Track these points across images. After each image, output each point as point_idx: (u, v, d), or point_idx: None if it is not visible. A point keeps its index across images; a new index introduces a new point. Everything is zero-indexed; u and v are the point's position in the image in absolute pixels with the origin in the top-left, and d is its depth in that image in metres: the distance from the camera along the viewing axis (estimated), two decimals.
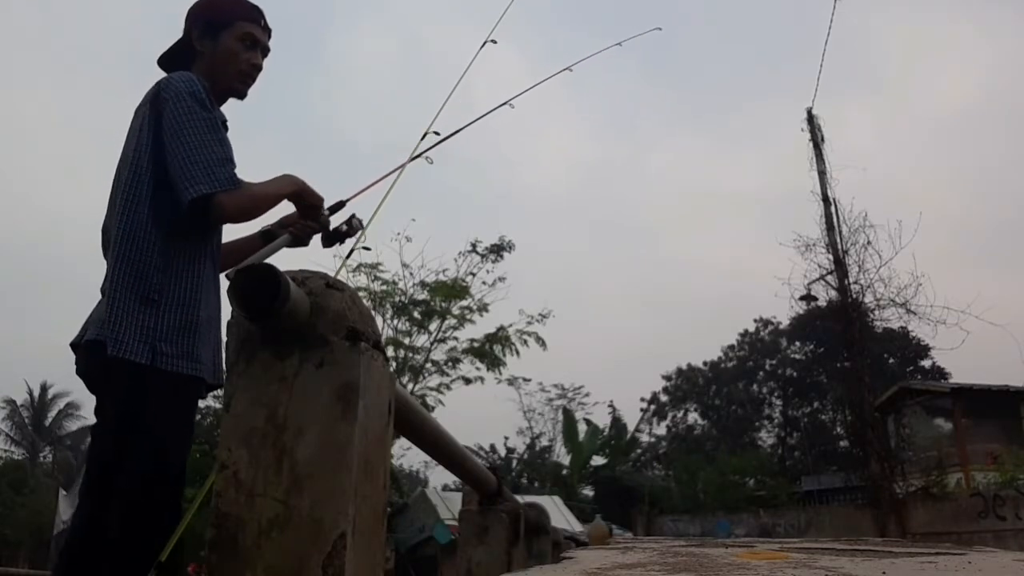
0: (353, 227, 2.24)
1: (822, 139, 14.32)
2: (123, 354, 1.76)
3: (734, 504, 19.89)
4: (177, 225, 1.86)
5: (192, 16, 2.11)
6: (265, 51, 2.15)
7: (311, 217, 2.10)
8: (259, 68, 2.13)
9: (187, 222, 1.84)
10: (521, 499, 4.80)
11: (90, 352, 1.83)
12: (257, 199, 1.93)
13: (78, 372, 1.91)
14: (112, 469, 1.79)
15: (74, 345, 1.92)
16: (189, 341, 1.84)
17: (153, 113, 1.91)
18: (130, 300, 1.81)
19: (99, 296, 1.93)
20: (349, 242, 2.26)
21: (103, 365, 1.78)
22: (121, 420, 1.79)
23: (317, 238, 2.19)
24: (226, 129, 2.04)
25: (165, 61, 2.14)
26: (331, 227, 2.17)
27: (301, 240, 2.15)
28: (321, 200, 2.08)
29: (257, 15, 2.12)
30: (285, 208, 2.12)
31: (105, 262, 1.96)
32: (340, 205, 2.23)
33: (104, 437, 1.84)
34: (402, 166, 2.49)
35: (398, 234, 16.75)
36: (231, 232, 2.14)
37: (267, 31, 2.15)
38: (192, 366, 1.82)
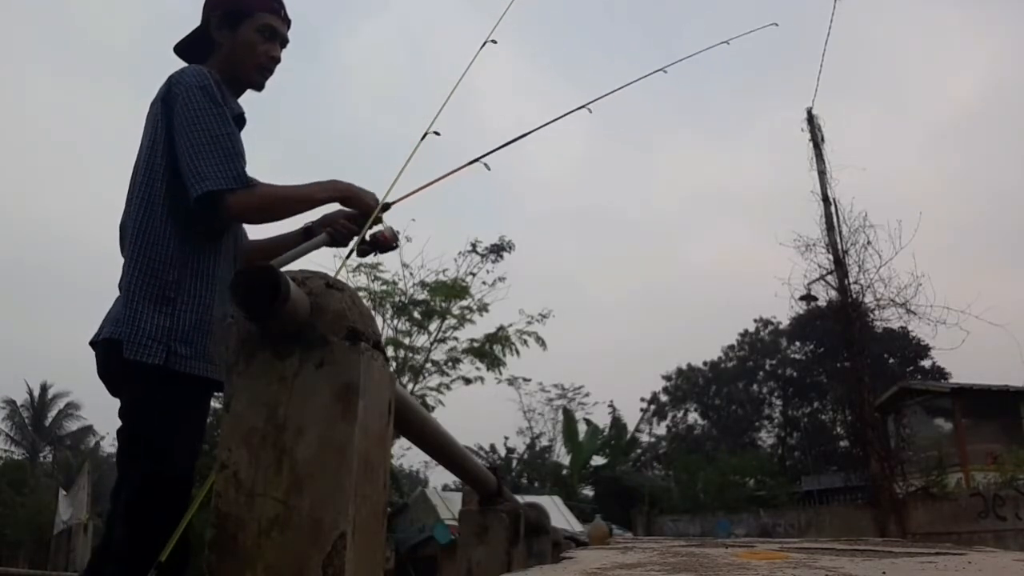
0: (388, 238, 2.15)
1: (822, 139, 14.31)
2: (138, 356, 1.75)
3: (734, 504, 19.88)
4: (192, 222, 1.85)
5: (210, 4, 2.08)
6: (284, 43, 2.11)
7: (359, 223, 2.04)
8: (277, 60, 2.10)
9: (199, 219, 1.83)
10: (521, 499, 4.80)
11: (105, 350, 1.83)
12: (272, 200, 1.89)
13: (99, 373, 1.90)
14: (123, 469, 1.80)
15: (92, 343, 1.90)
16: (203, 341, 1.82)
17: (165, 108, 1.89)
18: (146, 299, 1.80)
19: (107, 294, 1.92)
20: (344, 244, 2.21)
21: (120, 365, 1.78)
22: (132, 420, 1.80)
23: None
24: (244, 122, 2.02)
25: (182, 49, 2.11)
26: (369, 235, 2.08)
27: (338, 241, 2.09)
28: (372, 207, 2.01)
29: (277, 6, 2.09)
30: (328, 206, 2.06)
31: (122, 259, 1.95)
32: (386, 207, 2.12)
33: (121, 438, 1.83)
34: (457, 169, 2.41)
35: (398, 234, 16.74)
36: (274, 228, 2.11)
37: (287, 22, 2.11)
38: (205, 367, 1.81)
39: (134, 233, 1.85)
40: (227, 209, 1.80)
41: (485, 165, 2.43)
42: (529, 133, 2.63)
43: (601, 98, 2.84)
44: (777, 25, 4.11)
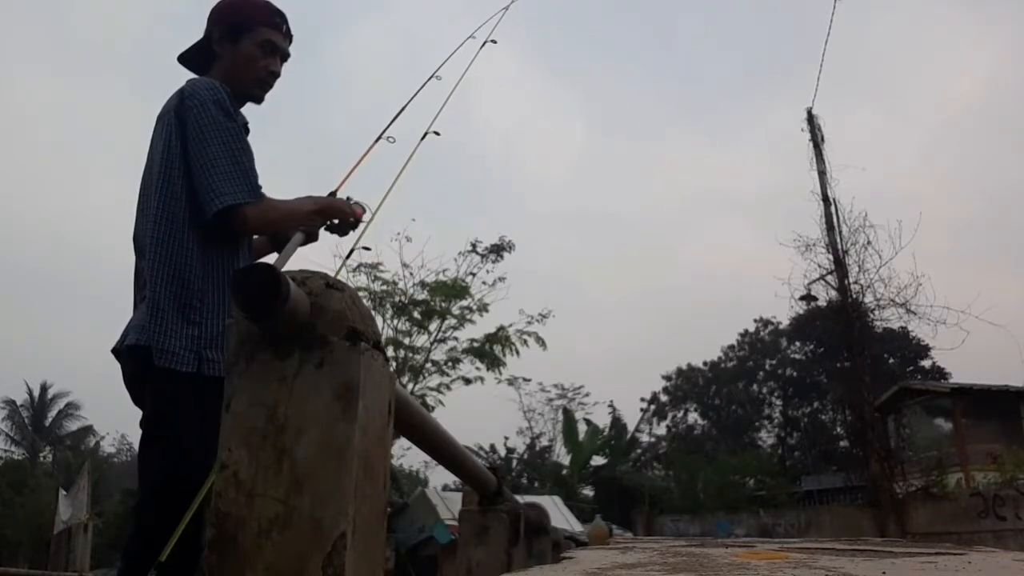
0: (359, 213, 2.23)
1: (822, 139, 14.29)
2: (170, 364, 1.77)
3: (734, 504, 19.88)
4: (211, 232, 1.88)
5: (214, 18, 2.11)
6: (285, 57, 2.15)
7: (344, 231, 2.17)
8: (277, 75, 2.13)
9: (217, 231, 1.87)
10: (521, 499, 4.80)
11: (133, 358, 1.84)
12: (280, 213, 1.97)
13: (124, 381, 1.92)
14: (147, 471, 1.81)
15: (116, 351, 1.92)
16: None
17: (178, 121, 1.92)
18: (172, 308, 1.82)
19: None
20: (353, 236, 2.25)
21: (148, 371, 1.80)
22: (162, 424, 1.81)
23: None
24: (247, 132, 2.05)
25: (186, 60, 2.14)
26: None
27: (312, 236, 2.16)
28: (346, 212, 2.13)
29: (279, 21, 2.12)
30: None
31: (134, 269, 1.98)
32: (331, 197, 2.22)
33: (152, 445, 1.84)
34: (368, 149, 2.47)
35: (398, 234, 16.76)
36: None
37: (288, 37, 2.14)
38: None
39: (156, 245, 1.87)
40: (244, 223, 1.86)
41: (388, 139, 2.48)
42: (425, 81, 2.70)
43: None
44: None
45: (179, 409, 1.78)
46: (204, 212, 1.83)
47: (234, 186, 1.82)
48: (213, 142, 1.85)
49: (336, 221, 2.16)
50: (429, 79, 2.75)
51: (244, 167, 1.87)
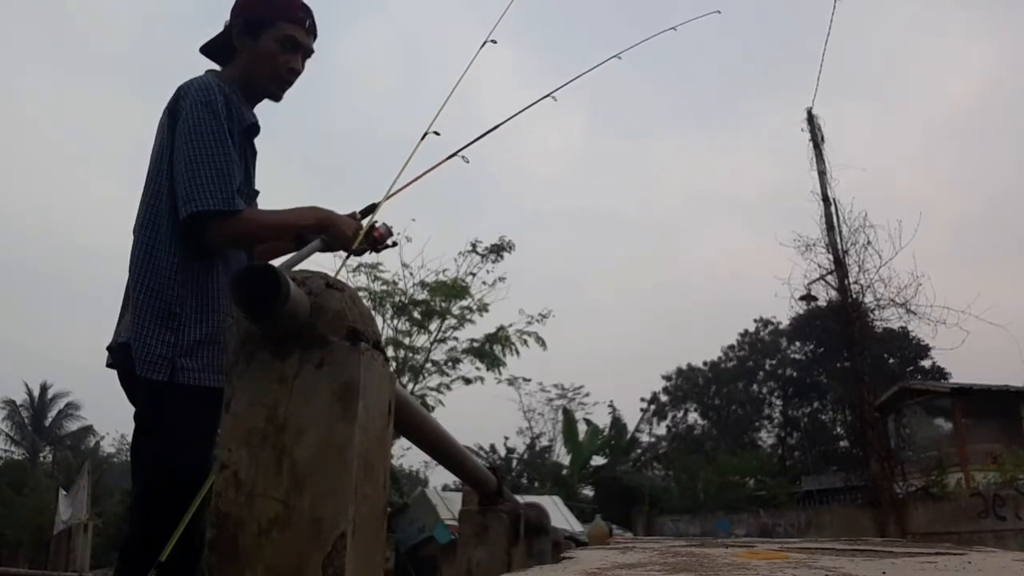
0: (383, 235, 2.16)
1: (822, 139, 14.31)
2: (146, 373, 1.76)
3: (734, 504, 19.89)
4: (188, 237, 1.83)
5: (235, 11, 2.03)
6: (308, 54, 2.06)
7: (334, 249, 2.03)
8: (297, 72, 2.04)
9: (189, 238, 1.82)
10: (521, 499, 4.80)
11: (122, 356, 1.84)
12: (256, 227, 1.89)
13: (120, 381, 1.91)
14: (135, 474, 1.83)
15: (110, 348, 1.91)
16: (212, 352, 1.80)
17: (171, 121, 1.87)
18: (151, 315, 1.79)
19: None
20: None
21: (133, 375, 1.80)
22: (144, 431, 1.82)
23: None
24: (257, 130, 2.00)
25: (208, 51, 2.07)
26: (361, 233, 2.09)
27: (332, 246, 2.07)
28: (350, 237, 1.99)
29: (303, 16, 2.02)
30: None
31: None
32: (372, 208, 2.15)
33: (138, 451, 1.85)
34: (438, 164, 2.43)
35: (398, 234, 16.75)
36: None
37: (312, 33, 2.05)
38: (214, 378, 1.78)
39: (139, 248, 1.85)
40: (212, 235, 1.79)
41: (464, 158, 2.43)
42: (502, 124, 2.67)
43: (565, 85, 2.96)
44: (719, 12, 4.07)
45: (157, 415, 1.78)
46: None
47: (206, 192, 1.75)
48: (195, 145, 1.79)
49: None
50: (543, 98, 2.72)
51: (223, 174, 1.78)
